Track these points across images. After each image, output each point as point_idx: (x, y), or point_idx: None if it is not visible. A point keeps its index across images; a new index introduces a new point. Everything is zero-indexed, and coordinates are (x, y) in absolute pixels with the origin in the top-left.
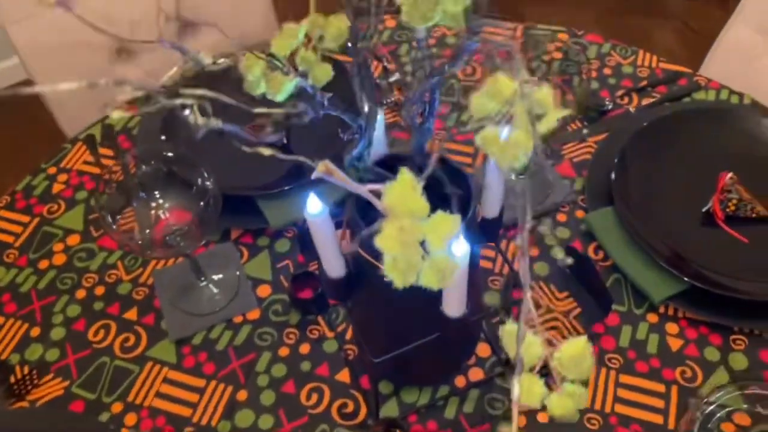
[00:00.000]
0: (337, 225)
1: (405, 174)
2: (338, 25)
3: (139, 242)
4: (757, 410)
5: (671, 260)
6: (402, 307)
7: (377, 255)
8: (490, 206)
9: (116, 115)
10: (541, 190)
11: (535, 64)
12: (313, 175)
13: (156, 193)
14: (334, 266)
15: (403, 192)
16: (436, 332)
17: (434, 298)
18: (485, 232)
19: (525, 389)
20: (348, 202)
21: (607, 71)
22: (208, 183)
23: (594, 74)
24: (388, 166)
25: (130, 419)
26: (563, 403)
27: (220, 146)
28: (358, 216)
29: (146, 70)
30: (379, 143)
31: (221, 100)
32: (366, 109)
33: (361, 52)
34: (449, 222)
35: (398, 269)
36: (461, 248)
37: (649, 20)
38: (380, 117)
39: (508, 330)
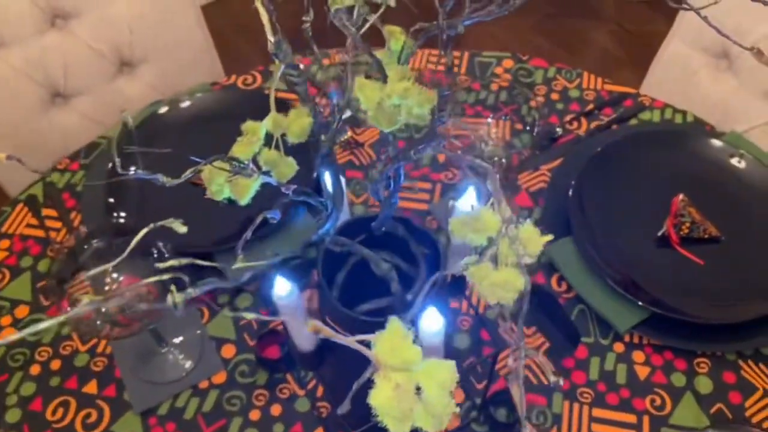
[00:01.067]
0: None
1: (394, 323)
2: (300, 123)
3: (97, 322)
4: None
5: (631, 289)
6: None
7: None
8: (458, 265)
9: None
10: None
11: (482, 94)
12: (309, 329)
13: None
14: (304, 341)
15: (394, 342)
16: None
17: None
18: (454, 287)
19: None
20: (315, 265)
21: (554, 96)
22: (165, 254)
23: (542, 100)
24: (352, 231)
25: None
26: None
27: (170, 201)
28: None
29: (81, 113)
30: (342, 212)
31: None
32: (332, 193)
33: (324, 144)
34: (445, 369)
35: (393, 417)
36: (436, 324)
37: (585, 22)
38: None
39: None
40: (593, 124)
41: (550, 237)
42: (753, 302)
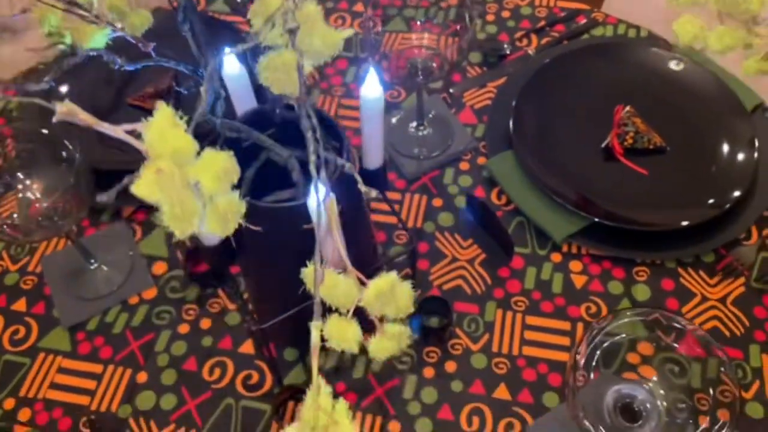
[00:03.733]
0: None
1: (164, 109)
2: None
3: (16, 225)
4: (660, 337)
5: (571, 199)
6: (283, 274)
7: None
8: (371, 156)
9: None
10: (442, 139)
11: (432, 10)
12: (55, 118)
13: (24, 173)
14: (211, 237)
15: (164, 129)
16: None
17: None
18: (371, 183)
19: (337, 334)
20: None
21: (505, 14)
22: (76, 155)
23: (491, 18)
24: (257, 122)
25: (24, 414)
26: (384, 346)
27: (103, 117)
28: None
29: (29, 47)
30: (244, 98)
31: None
32: (203, 58)
33: None
34: (220, 160)
35: (176, 217)
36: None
37: None
38: (242, 71)
39: (307, 272)
40: (543, 41)
41: None
42: (694, 208)
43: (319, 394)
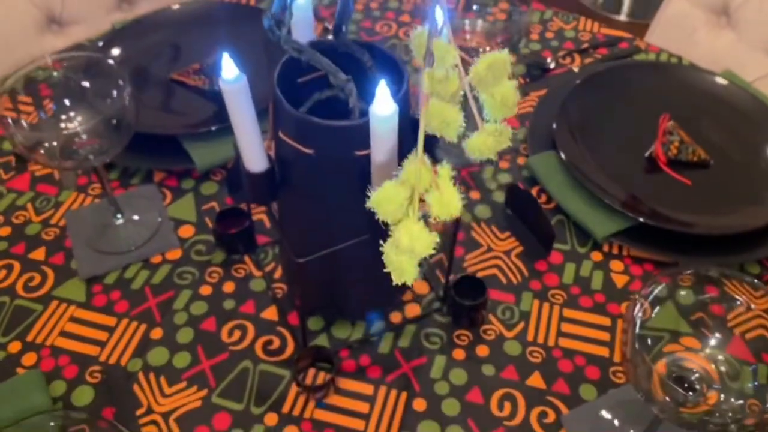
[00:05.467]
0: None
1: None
2: None
3: (46, 146)
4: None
5: (615, 197)
6: (331, 209)
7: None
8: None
9: None
10: None
11: (477, 22)
12: None
13: (67, 101)
14: (254, 155)
15: None
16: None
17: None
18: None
19: (438, 115)
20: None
21: (549, 35)
22: (125, 95)
23: (535, 37)
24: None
25: (29, 359)
26: (484, 141)
27: (147, 86)
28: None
29: (75, 41)
30: (305, 25)
31: None
32: None
33: None
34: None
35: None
36: (386, 107)
37: None
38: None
39: (418, 34)
40: (587, 61)
41: None
42: (738, 217)
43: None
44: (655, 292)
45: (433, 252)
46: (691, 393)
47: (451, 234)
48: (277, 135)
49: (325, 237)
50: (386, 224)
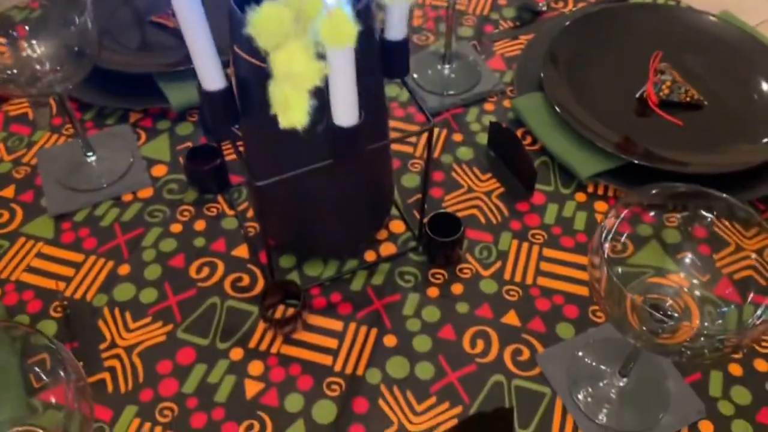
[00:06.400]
0: None
1: None
2: None
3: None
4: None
5: (602, 137)
6: (291, 133)
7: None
8: (393, 26)
9: None
10: (468, 80)
11: None
12: None
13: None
14: (209, 72)
15: None
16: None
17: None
18: (391, 61)
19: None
20: None
21: None
22: (87, 19)
23: None
24: None
25: None
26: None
27: (125, 28)
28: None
29: None
30: None
31: None
32: None
33: None
34: None
35: None
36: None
37: None
38: None
39: None
40: (580, 5)
41: None
42: (730, 157)
43: None
44: (638, 230)
45: (317, 83)
46: (667, 323)
47: (424, 171)
48: (234, 51)
49: (288, 164)
50: (351, 150)
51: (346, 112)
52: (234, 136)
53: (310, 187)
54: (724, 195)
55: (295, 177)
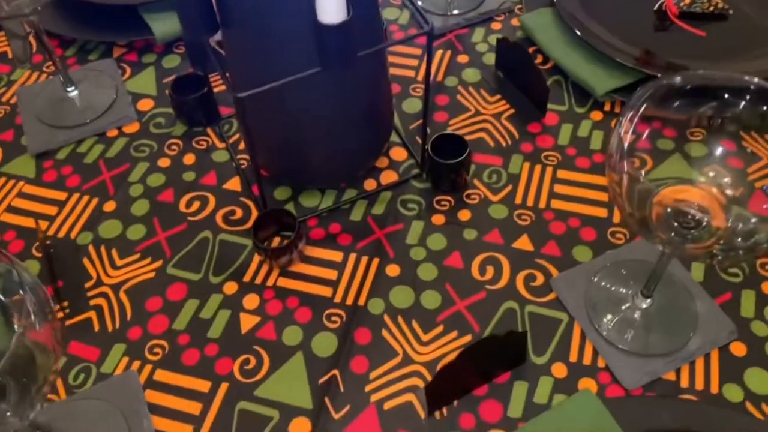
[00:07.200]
0: None
1: None
2: None
3: None
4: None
5: (618, 50)
6: (277, 41)
7: None
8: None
9: None
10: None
11: None
12: None
13: None
14: None
15: None
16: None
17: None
18: None
19: None
20: None
21: None
22: None
23: None
24: None
25: None
26: None
27: None
28: None
29: None
30: None
31: None
32: None
33: None
34: None
35: None
36: None
37: None
38: None
39: None
40: None
41: None
42: (756, 68)
43: None
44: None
45: None
46: (693, 231)
47: (425, 86)
48: None
49: (274, 77)
50: (340, 54)
51: (332, 6)
52: (218, 58)
53: (300, 106)
54: (756, 80)
55: (283, 94)
